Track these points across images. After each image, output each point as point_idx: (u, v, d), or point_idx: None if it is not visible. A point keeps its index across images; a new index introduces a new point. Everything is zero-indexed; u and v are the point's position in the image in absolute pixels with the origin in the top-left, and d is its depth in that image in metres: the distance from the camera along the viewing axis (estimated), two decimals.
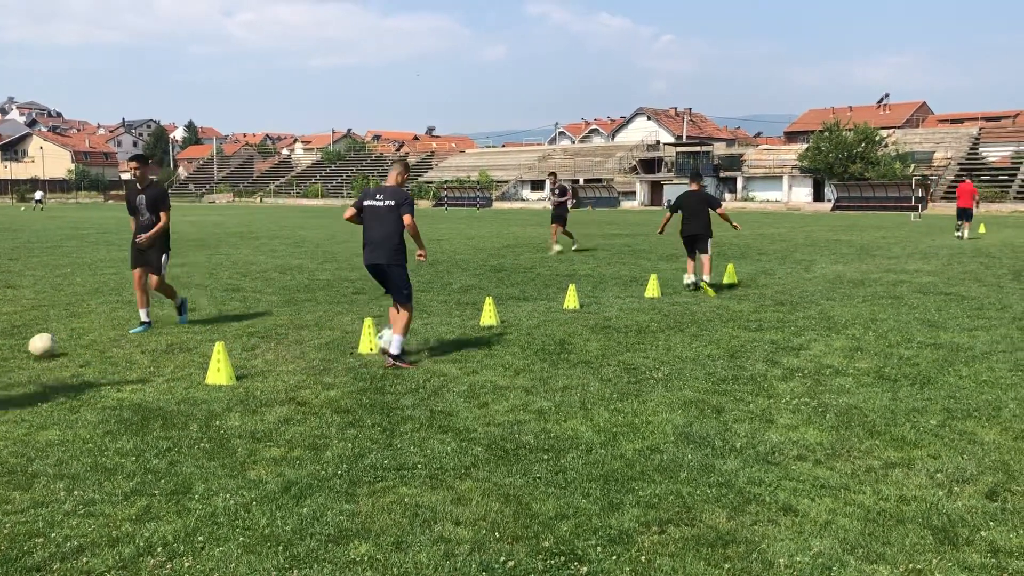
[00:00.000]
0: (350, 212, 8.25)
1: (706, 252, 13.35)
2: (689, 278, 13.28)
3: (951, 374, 7.47)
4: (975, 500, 4.58)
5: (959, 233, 26.32)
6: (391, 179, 8.35)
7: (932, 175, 64.18)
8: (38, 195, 73.17)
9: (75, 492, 4.71)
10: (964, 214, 26.52)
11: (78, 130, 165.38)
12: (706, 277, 13.12)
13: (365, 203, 8.12)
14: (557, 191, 21.19)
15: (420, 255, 8.39)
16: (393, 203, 7.99)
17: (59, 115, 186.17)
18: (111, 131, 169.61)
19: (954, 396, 6.71)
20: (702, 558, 3.90)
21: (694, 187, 13.94)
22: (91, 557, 3.92)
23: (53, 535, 4.15)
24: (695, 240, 13.44)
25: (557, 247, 20.66)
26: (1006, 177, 63.05)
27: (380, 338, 8.17)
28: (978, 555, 3.93)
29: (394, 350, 7.87)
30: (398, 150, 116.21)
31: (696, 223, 13.44)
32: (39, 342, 8.20)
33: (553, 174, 15.66)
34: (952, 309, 11.22)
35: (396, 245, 7.99)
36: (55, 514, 4.40)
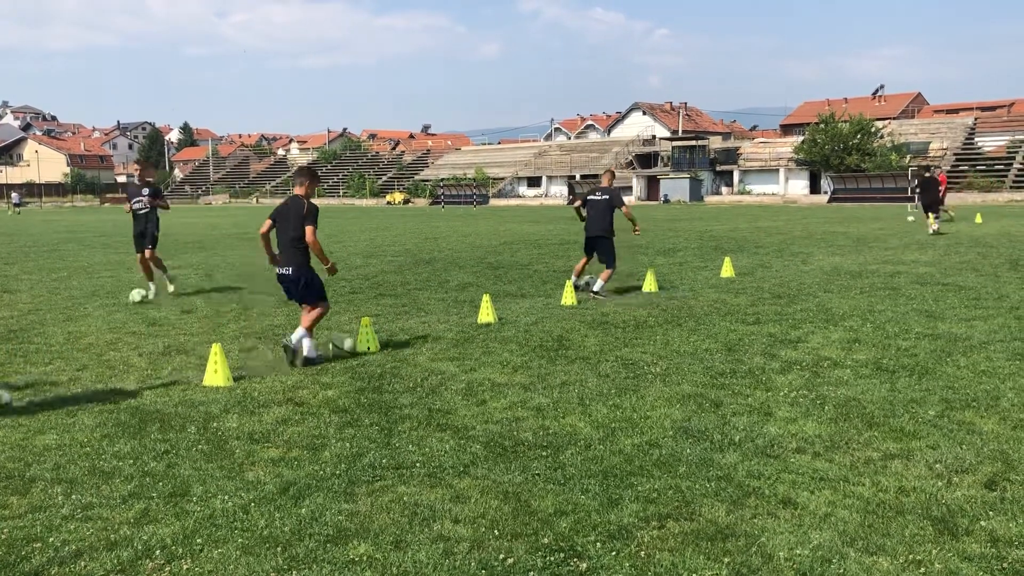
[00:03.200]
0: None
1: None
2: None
3: (949, 364, 7.47)
4: (974, 490, 4.58)
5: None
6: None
7: (931, 165, 64.19)
8: (15, 197, 70.47)
9: (73, 496, 4.69)
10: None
11: (73, 133, 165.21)
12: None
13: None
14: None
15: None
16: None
17: (54, 119, 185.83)
18: (106, 134, 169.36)
19: (952, 386, 6.70)
20: (702, 552, 3.90)
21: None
22: (89, 561, 3.91)
23: (51, 539, 4.13)
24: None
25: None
26: (1002, 167, 63.11)
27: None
28: (978, 545, 3.93)
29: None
30: (394, 148, 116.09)
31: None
32: None
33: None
34: (949, 299, 11.23)
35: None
36: (53, 518, 4.39)
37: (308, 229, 8.04)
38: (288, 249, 8.19)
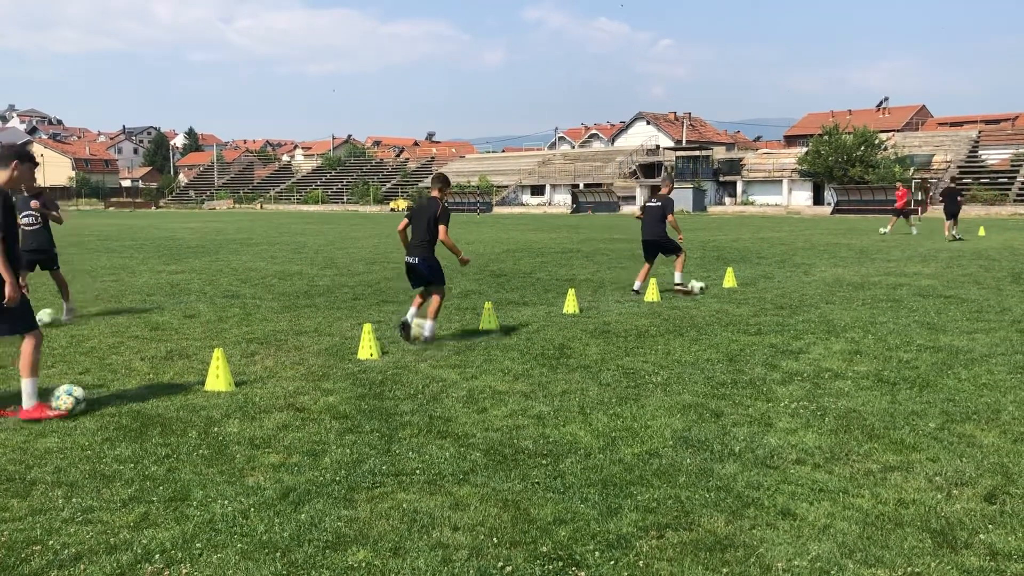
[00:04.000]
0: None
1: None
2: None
3: (950, 377, 7.47)
4: (974, 503, 4.58)
5: (886, 229, 31.40)
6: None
7: (932, 178, 64.21)
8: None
9: (73, 499, 4.70)
10: (901, 213, 31.72)
11: (78, 137, 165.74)
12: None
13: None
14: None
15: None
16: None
17: (60, 123, 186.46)
18: (111, 138, 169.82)
19: (953, 399, 6.70)
20: (700, 563, 3.90)
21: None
22: (89, 564, 3.91)
23: (51, 542, 4.14)
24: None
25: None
26: (1005, 180, 63.11)
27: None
28: (976, 558, 3.93)
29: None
30: (398, 155, 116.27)
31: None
32: None
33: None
34: (951, 312, 11.22)
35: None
36: (53, 521, 4.40)
37: (441, 228, 9.23)
38: (419, 242, 9.33)
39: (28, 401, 6.32)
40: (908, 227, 31.31)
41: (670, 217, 13.46)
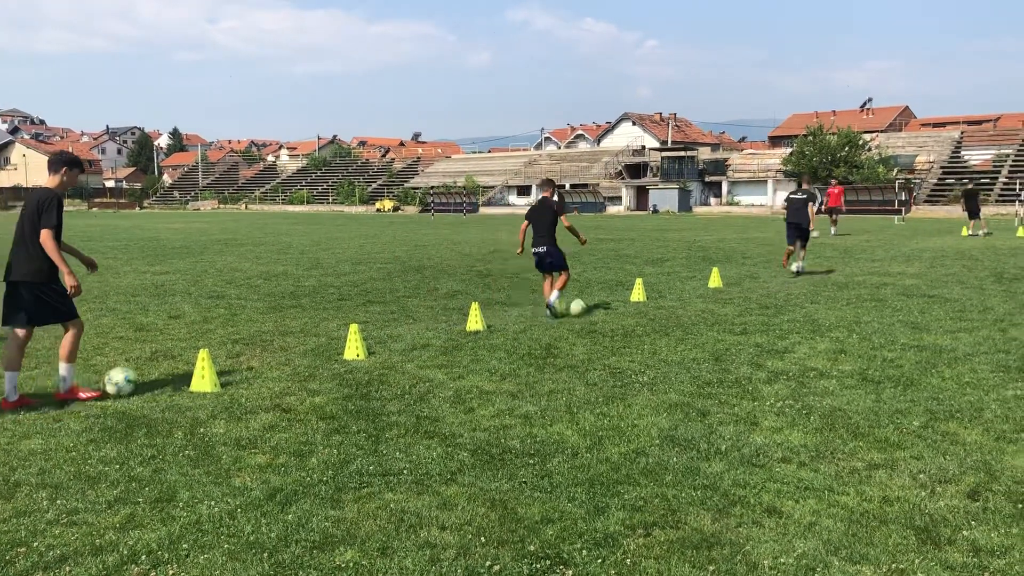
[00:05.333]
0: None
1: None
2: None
3: (934, 376, 7.53)
4: (957, 500, 4.62)
5: (817, 232, 30.63)
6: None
7: (915, 178, 64.66)
8: None
9: (58, 501, 4.68)
10: (834, 211, 31.53)
11: (61, 137, 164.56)
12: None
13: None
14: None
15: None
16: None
17: (42, 122, 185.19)
18: (95, 138, 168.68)
19: (937, 397, 6.75)
20: (687, 560, 3.92)
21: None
22: (74, 566, 3.89)
23: (36, 544, 4.12)
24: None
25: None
26: (988, 180, 63.58)
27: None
28: (960, 555, 3.96)
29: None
30: (384, 156, 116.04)
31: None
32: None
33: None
34: (935, 311, 11.31)
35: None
36: (38, 523, 4.37)
37: (563, 218, 11.20)
38: (544, 235, 11.13)
39: (63, 384, 6.88)
40: (828, 225, 31.12)
41: (811, 207, 16.54)
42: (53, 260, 6.62)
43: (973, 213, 29.70)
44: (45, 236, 6.59)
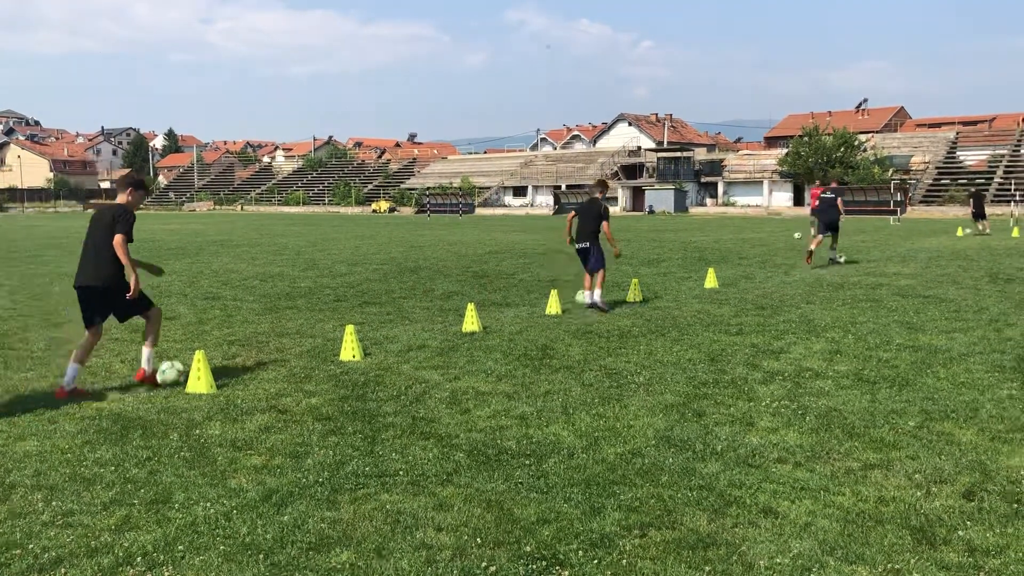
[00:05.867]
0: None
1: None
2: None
3: (929, 376, 7.54)
4: (952, 500, 4.63)
5: (798, 234, 30.93)
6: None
7: (911, 179, 64.78)
8: None
9: (53, 503, 4.67)
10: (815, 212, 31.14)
11: (56, 139, 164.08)
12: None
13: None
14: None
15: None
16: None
17: (37, 124, 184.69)
18: (90, 140, 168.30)
19: (932, 398, 6.77)
20: (683, 561, 3.92)
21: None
22: (70, 568, 3.89)
23: (31, 546, 4.11)
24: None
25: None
26: (983, 180, 63.72)
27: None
28: (955, 554, 3.97)
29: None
30: (380, 156, 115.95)
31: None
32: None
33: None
34: (930, 311, 11.33)
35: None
36: (33, 525, 4.36)
37: (606, 224, 11.99)
38: (587, 233, 11.99)
39: (147, 365, 7.53)
40: (810, 227, 30.78)
41: (840, 202, 19.06)
42: (123, 262, 7.20)
43: (979, 214, 30.81)
44: (119, 240, 7.15)
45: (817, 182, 34.36)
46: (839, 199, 19.15)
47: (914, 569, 3.83)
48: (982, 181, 63.47)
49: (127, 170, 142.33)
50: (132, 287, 7.27)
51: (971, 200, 32.82)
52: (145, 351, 7.56)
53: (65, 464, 5.31)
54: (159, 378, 7.47)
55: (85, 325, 7.43)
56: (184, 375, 7.45)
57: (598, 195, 12.35)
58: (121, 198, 7.53)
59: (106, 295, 7.32)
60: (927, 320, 10.63)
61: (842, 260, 19.10)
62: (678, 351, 8.80)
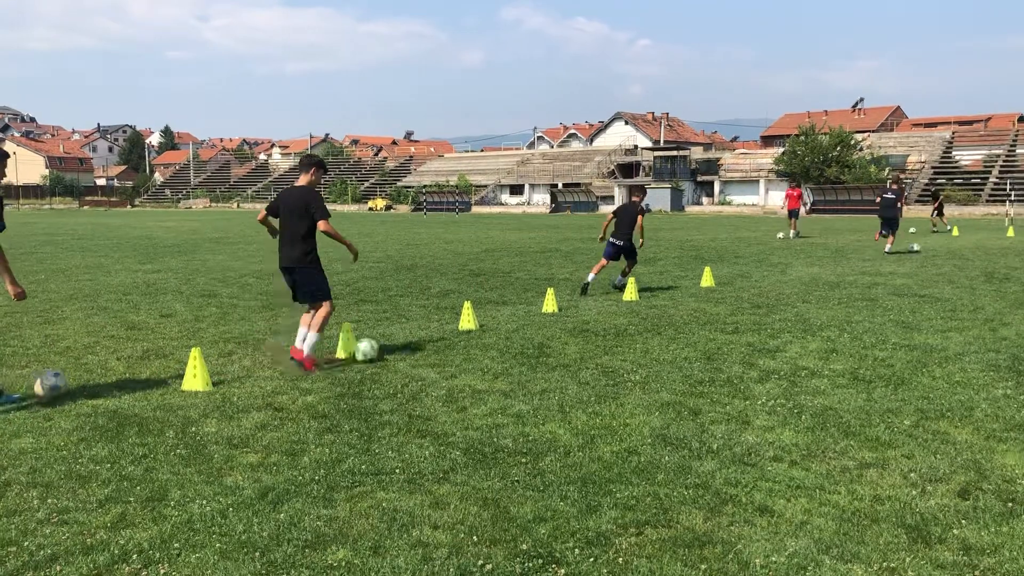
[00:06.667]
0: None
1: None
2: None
3: (925, 375, 7.56)
4: (948, 499, 4.64)
5: (781, 234, 30.43)
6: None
7: (907, 178, 64.84)
8: None
9: (49, 500, 4.66)
10: (793, 214, 30.64)
11: (52, 135, 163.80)
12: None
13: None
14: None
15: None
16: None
17: (32, 120, 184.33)
18: (86, 136, 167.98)
19: (928, 397, 6.78)
20: (679, 559, 3.93)
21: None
22: (65, 565, 3.88)
23: (26, 543, 4.10)
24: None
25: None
26: (978, 180, 63.86)
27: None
28: (950, 553, 3.98)
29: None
30: (376, 154, 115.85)
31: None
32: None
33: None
34: (926, 311, 11.35)
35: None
36: (28, 522, 4.36)
37: (639, 219, 13.64)
38: (624, 232, 13.71)
39: (308, 351, 7.94)
40: (789, 228, 30.31)
41: (902, 202, 21.14)
42: (338, 240, 7.97)
43: (940, 211, 33.61)
44: (325, 227, 7.86)
45: (792, 183, 33.88)
46: (900, 199, 21.52)
47: (909, 568, 3.84)
48: (978, 181, 63.61)
49: (123, 167, 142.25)
50: (353, 252, 8.28)
51: (934, 198, 35.26)
52: (311, 336, 7.97)
53: (60, 461, 5.31)
54: (359, 356, 8.20)
55: (294, 300, 8.26)
56: (375, 350, 8.30)
57: (636, 198, 13.85)
58: (304, 179, 8.09)
59: (299, 274, 8.04)
60: (923, 319, 10.65)
61: (917, 248, 22.07)
62: (674, 349, 8.80)
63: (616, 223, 13.88)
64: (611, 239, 13.77)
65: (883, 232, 21.37)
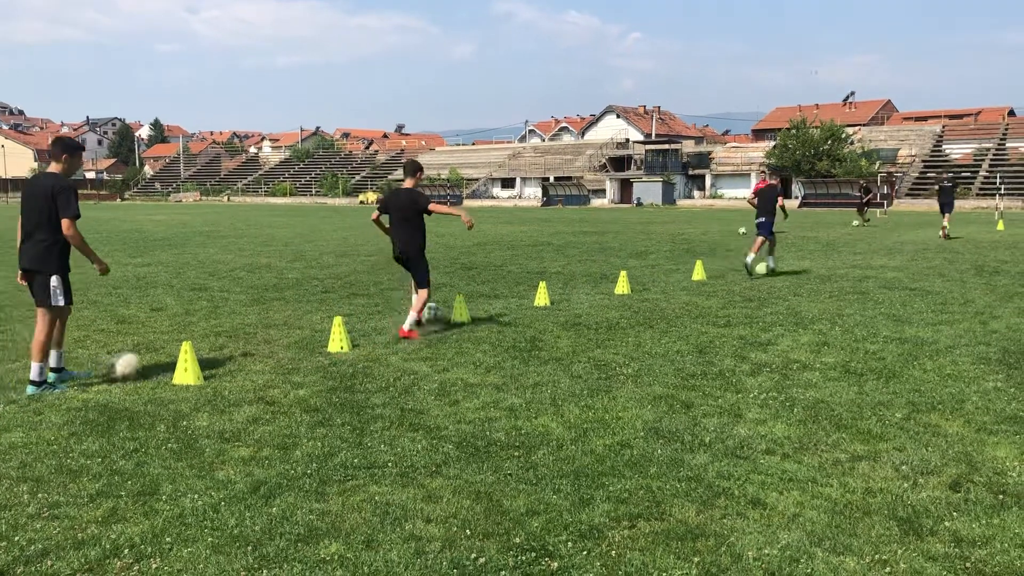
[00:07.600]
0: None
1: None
2: None
3: (916, 368, 7.58)
4: (939, 491, 4.66)
5: (743, 229, 30.19)
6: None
7: (897, 172, 65.03)
8: None
9: (39, 495, 4.64)
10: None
11: (41, 128, 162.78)
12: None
13: None
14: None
15: None
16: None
17: (21, 113, 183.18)
18: (75, 129, 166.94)
19: (919, 389, 6.80)
20: (672, 552, 3.93)
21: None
22: (56, 560, 3.86)
23: (17, 538, 4.08)
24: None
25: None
26: (968, 174, 64.07)
27: None
28: (942, 545, 4.00)
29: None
30: (367, 148, 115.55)
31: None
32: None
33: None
34: (917, 304, 11.39)
35: None
36: (19, 517, 4.33)
37: (780, 198, 15.46)
38: (766, 209, 15.25)
39: (407, 325, 9.18)
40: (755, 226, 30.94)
41: (956, 191, 26.22)
42: (447, 212, 9.61)
43: (873, 204, 36.66)
44: (437, 208, 9.31)
45: (763, 173, 33.56)
46: (955, 188, 26.20)
47: (901, 560, 3.86)
48: (968, 174, 63.82)
49: (112, 160, 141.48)
50: (468, 222, 9.15)
51: (863, 193, 37.51)
52: (411, 315, 9.25)
53: (51, 456, 5.28)
54: (425, 315, 9.55)
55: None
56: (439, 312, 9.89)
57: (775, 181, 15.83)
58: (409, 182, 9.46)
59: (410, 261, 9.37)
60: (913, 312, 10.68)
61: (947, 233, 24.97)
62: (666, 343, 8.81)
63: (759, 203, 15.58)
64: (756, 219, 15.58)
65: (946, 213, 25.65)
